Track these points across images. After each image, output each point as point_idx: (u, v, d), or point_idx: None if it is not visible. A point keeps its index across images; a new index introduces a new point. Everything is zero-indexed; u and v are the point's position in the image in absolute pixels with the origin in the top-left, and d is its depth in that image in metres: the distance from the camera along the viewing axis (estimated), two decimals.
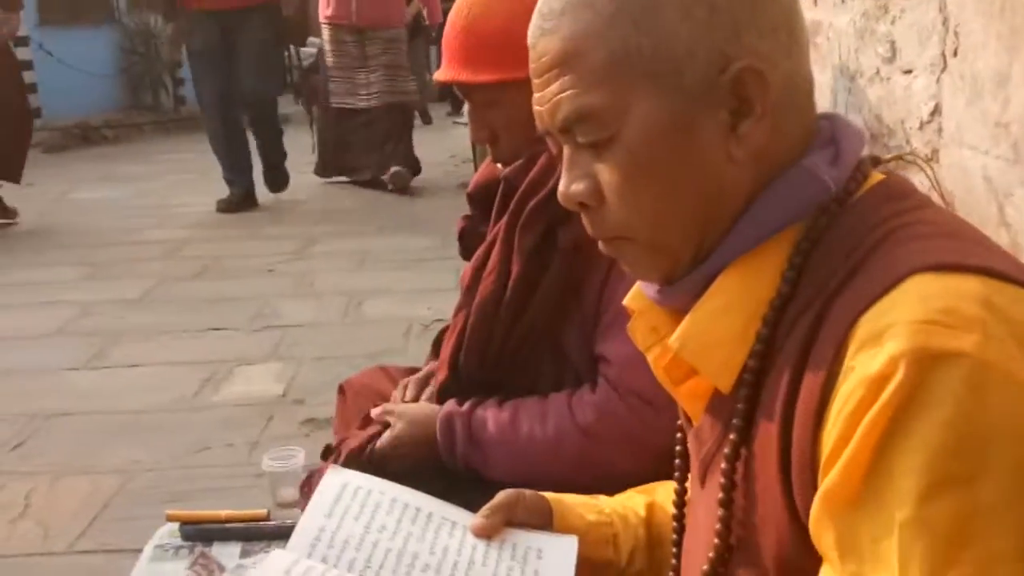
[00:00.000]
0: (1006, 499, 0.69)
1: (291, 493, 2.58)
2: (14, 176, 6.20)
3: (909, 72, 1.72)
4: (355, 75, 6.90)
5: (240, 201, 6.54)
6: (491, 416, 1.59)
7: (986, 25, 1.50)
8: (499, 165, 1.68)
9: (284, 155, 6.84)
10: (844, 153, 0.88)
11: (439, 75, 1.67)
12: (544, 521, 1.12)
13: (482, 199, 1.77)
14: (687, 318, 0.89)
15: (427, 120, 10.39)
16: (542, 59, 0.89)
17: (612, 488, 1.26)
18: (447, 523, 1.09)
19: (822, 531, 0.76)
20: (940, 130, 1.62)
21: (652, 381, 1.47)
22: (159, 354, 3.80)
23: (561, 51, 0.86)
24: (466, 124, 8.14)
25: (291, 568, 0.98)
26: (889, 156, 0.89)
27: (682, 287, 0.91)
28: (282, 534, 2.29)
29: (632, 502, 1.20)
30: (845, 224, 0.85)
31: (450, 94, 10.42)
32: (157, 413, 3.24)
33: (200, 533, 2.36)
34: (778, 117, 0.86)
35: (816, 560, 0.79)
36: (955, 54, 1.56)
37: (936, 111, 1.64)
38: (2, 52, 6.10)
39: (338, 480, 1.13)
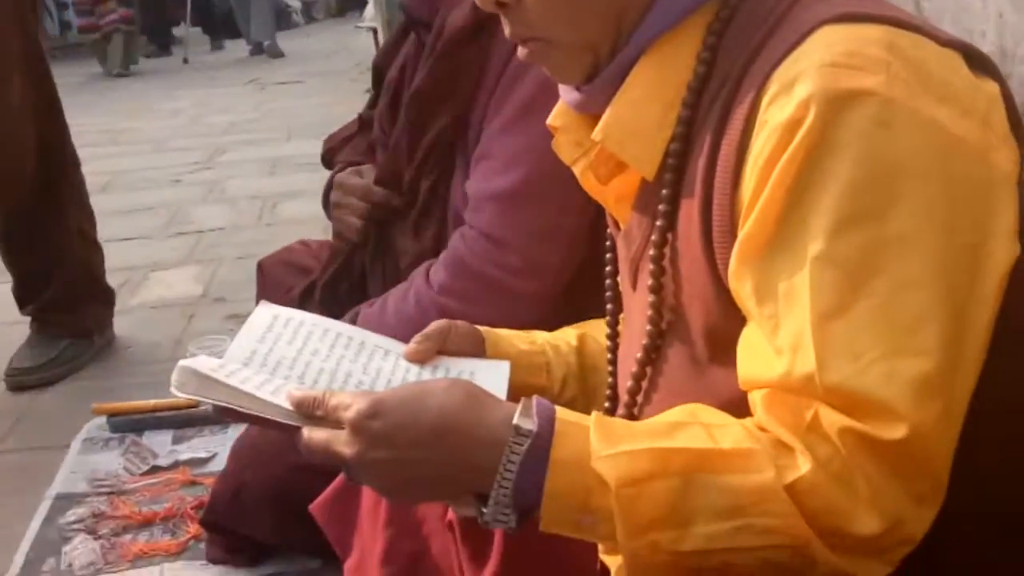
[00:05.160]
0: (915, 230, 0.72)
1: None
2: None
3: None
4: None
5: None
6: (363, 311, 1.57)
7: None
8: None
9: None
10: None
11: None
12: (477, 350, 1.12)
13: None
14: (608, 109, 0.90)
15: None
16: None
17: None
18: (380, 350, 1.09)
19: (741, 282, 0.78)
20: None
21: (498, 219, 1.48)
22: None
23: None
24: (367, 28, 7.79)
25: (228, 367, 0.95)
26: None
27: (602, 82, 0.91)
28: (214, 420, 2.23)
29: (564, 334, 1.22)
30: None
31: None
32: None
33: (130, 424, 2.30)
34: None
35: (742, 324, 0.81)
36: None
37: None
38: None
39: (268, 312, 1.10)
